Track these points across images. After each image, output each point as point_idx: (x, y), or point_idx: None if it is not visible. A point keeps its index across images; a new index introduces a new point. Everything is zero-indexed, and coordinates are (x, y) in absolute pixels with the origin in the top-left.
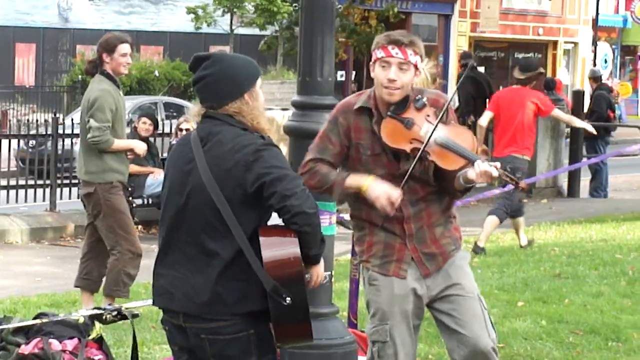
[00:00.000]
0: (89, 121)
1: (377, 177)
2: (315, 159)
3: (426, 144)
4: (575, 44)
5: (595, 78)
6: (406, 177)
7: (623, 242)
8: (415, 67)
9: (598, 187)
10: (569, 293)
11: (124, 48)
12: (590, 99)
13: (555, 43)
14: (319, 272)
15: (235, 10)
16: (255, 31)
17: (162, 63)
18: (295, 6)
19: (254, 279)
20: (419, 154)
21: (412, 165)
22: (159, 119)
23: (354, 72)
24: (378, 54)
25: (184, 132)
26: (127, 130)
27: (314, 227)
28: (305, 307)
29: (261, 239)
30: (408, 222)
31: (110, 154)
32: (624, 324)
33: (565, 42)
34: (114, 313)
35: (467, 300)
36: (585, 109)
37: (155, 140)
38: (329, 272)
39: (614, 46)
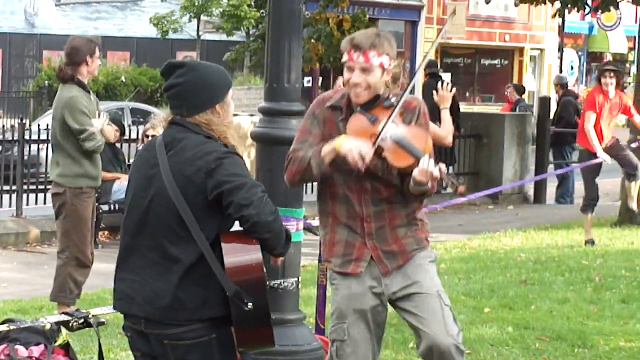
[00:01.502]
0: (82, 132)
1: (348, 136)
2: (295, 150)
3: (378, 136)
4: (542, 50)
5: (561, 85)
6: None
7: (589, 248)
8: (382, 66)
9: (564, 194)
10: (535, 299)
11: (97, 51)
12: (557, 105)
13: (521, 49)
14: (280, 260)
15: (201, 15)
16: (222, 37)
17: (129, 68)
18: (262, 12)
19: (216, 285)
20: (375, 142)
21: (373, 148)
22: (126, 124)
23: (320, 78)
24: (344, 57)
25: (150, 139)
26: None
27: (274, 232)
28: (266, 312)
29: (223, 245)
30: (368, 220)
31: (87, 160)
32: (590, 330)
33: (532, 49)
34: (81, 321)
35: (425, 297)
36: (551, 115)
37: (122, 146)
38: (295, 279)
39: (580, 53)
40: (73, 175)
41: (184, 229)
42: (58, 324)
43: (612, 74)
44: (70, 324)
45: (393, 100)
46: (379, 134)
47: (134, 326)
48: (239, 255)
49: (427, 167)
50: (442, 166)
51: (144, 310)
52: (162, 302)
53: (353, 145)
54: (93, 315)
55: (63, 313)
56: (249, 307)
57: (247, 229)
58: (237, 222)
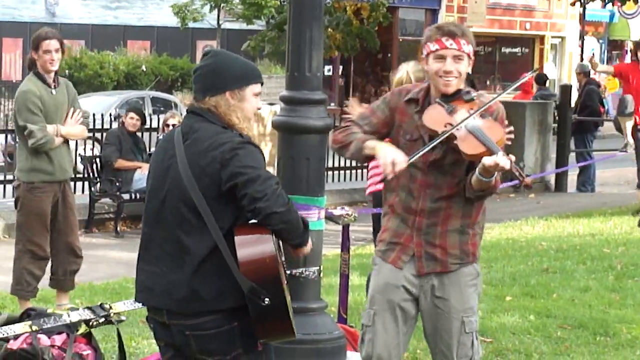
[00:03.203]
0: (24, 128)
1: (391, 145)
2: (353, 122)
3: (457, 125)
4: (563, 38)
5: (584, 73)
6: (421, 151)
7: (610, 236)
8: (469, 56)
9: (585, 182)
10: (556, 288)
11: (47, 45)
12: (580, 94)
13: (542, 38)
14: (304, 250)
15: (222, 4)
16: (243, 26)
17: (149, 58)
18: (283, 1)
19: (231, 276)
20: (448, 132)
21: (435, 141)
22: (147, 113)
23: (341, 67)
24: (432, 47)
25: (171, 128)
26: (115, 125)
27: (289, 223)
28: (284, 305)
29: (236, 237)
30: (421, 215)
31: (42, 155)
32: (612, 319)
33: (553, 37)
34: (102, 320)
35: (447, 318)
36: (572, 104)
37: (142, 135)
38: (318, 267)
39: (601, 41)
40: (27, 169)
41: (199, 219)
42: (79, 322)
43: None
44: (91, 323)
45: (474, 95)
46: (459, 123)
47: (157, 318)
48: (252, 248)
49: (500, 161)
50: (512, 158)
51: (163, 301)
52: (179, 294)
53: (389, 152)
54: (115, 313)
55: (87, 308)
56: (266, 302)
57: (260, 221)
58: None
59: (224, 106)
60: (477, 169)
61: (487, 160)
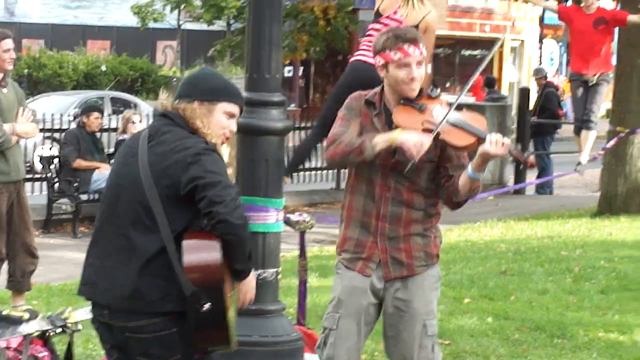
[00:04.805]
0: None
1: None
2: (338, 133)
3: (441, 122)
4: (522, 41)
5: (541, 77)
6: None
7: (569, 238)
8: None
9: (544, 184)
10: (514, 290)
11: (6, 44)
12: (539, 97)
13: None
14: (247, 289)
15: (182, 5)
16: (203, 26)
17: (109, 58)
18: (243, 2)
19: (176, 280)
20: (435, 131)
21: (433, 135)
22: (106, 114)
23: (301, 68)
24: (393, 55)
25: (135, 124)
26: (73, 125)
27: (239, 237)
28: (223, 314)
29: (184, 242)
30: (383, 220)
31: None
32: (570, 321)
33: (512, 40)
34: (59, 330)
35: (408, 320)
36: (531, 107)
37: (101, 135)
38: (276, 270)
39: (560, 43)
40: None
41: (151, 219)
42: (36, 336)
43: None
44: (48, 334)
45: (439, 90)
46: (443, 118)
47: (100, 318)
48: (199, 253)
49: (498, 138)
50: (507, 140)
51: (106, 297)
52: (123, 291)
53: (411, 136)
54: (71, 323)
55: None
56: (206, 308)
57: (212, 225)
58: None
59: (189, 111)
60: (468, 167)
61: (485, 148)
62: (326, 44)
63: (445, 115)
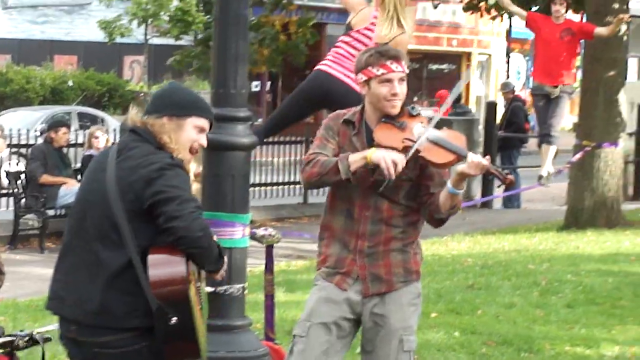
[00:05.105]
0: None
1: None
2: (316, 152)
3: (420, 139)
4: (489, 55)
5: (508, 91)
6: (413, 147)
7: (535, 252)
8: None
9: (511, 198)
10: (482, 304)
11: None
12: (506, 111)
13: (469, 54)
14: (217, 276)
15: (149, 20)
16: (170, 41)
17: (76, 73)
18: (208, 17)
19: (143, 295)
20: (413, 149)
21: (408, 156)
22: (73, 129)
23: (269, 83)
24: (376, 71)
25: (99, 140)
26: (40, 140)
27: (202, 248)
28: (192, 327)
29: (149, 257)
30: (363, 238)
31: None
32: (537, 335)
33: (479, 54)
34: (26, 339)
35: (385, 336)
36: (498, 121)
37: (68, 150)
38: (242, 284)
39: (527, 57)
40: None
41: (118, 234)
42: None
43: (562, 1)
44: (16, 343)
45: (419, 108)
46: (425, 133)
47: (68, 334)
48: (164, 268)
49: (478, 160)
50: (488, 157)
51: (73, 312)
52: (90, 306)
53: (386, 154)
54: (38, 332)
55: (7, 335)
56: (173, 321)
57: (173, 241)
58: None
59: (157, 126)
60: (448, 184)
61: (468, 169)
62: (285, 59)
63: (425, 133)
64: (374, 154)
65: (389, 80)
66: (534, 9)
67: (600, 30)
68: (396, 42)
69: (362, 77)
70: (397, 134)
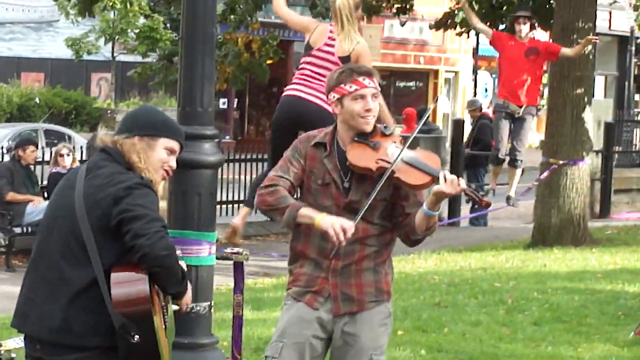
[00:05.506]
0: None
1: (329, 214)
2: (279, 176)
3: (395, 160)
4: (456, 72)
5: (475, 109)
6: (370, 198)
7: (502, 270)
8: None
9: (478, 216)
10: (448, 322)
11: None
12: (473, 129)
13: (436, 72)
14: (184, 302)
15: (117, 37)
16: (137, 58)
17: (43, 90)
18: (175, 36)
19: (107, 313)
20: (389, 170)
21: (380, 183)
22: (40, 146)
23: (236, 100)
24: (348, 88)
25: (64, 158)
26: (7, 158)
27: (165, 268)
28: (154, 345)
29: (112, 275)
30: (337, 258)
31: None
32: (503, 353)
33: (446, 71)
34: None
35: (355, 355)
36: (465, 138)
37: (35, 168)
38: (209, 303)
39: (494, 75)
40: None
41: (83, 252)
42: None
43: (525, 20)
44: None
45: (393, 128)
46: (398, 154)
47: (33, 353)
48: (127, 287)
49: (452, 178)
50: (463, 181)
51: (36, 329)
52: (52, 324)
53: (335, 221)
54: (5, 351)
55: None
56: (135, 339)
57: (137, 259)
58: None
59: (127, 145)
60: (424, 205)
61: (444, 188)
62: (249, 77)
63: (400, 154)
64: (322, 220)
65: (362, 97)
66: (501, 27)
67: (566, 51)
68: (357, 52)
69: (334, 96)
70: (370, 154)
